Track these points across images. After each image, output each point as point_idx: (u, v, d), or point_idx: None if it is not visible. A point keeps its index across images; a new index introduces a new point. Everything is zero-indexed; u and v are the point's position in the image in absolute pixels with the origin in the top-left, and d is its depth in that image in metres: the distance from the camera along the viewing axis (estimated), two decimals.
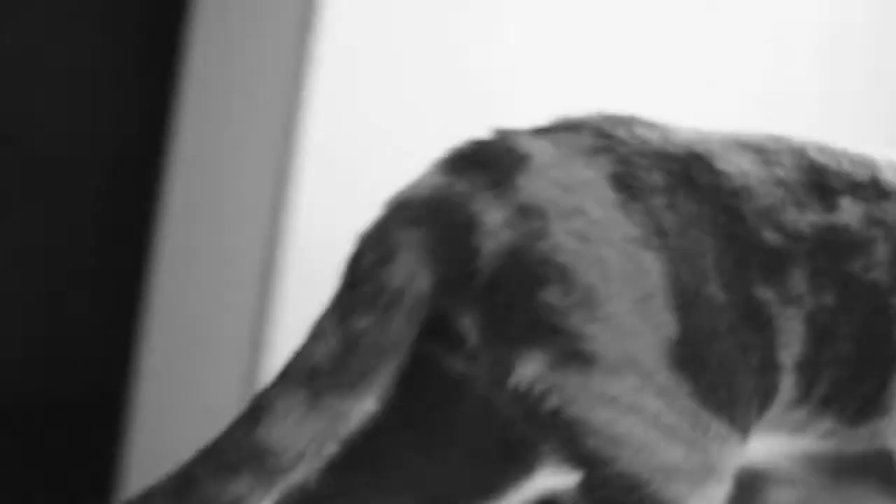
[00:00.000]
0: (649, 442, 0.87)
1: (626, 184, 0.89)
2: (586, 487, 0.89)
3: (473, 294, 0.88)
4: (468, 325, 0.89)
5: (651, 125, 0.93)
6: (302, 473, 0.89)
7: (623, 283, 0.87)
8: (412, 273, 0.89)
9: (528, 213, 0.87)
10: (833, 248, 0.92)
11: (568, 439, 0.89)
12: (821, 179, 0.94)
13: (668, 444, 0.87)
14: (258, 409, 0.89)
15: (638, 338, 0.87)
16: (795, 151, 0.95)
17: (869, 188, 0.95)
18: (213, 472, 0.88)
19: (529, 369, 0.87)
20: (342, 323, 0.89)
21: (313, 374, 0.89)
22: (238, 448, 0.89)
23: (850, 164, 0.96)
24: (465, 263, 0.88)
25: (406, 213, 0.90)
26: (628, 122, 0.93)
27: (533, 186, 0.88)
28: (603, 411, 0.87)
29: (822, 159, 0.95)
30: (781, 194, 0.92)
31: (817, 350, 0.92)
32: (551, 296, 0.86)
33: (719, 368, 0.88)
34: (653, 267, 0.87)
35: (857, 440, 0.98)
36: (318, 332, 0.90)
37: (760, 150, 0.93)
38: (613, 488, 0.88)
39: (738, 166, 0.91)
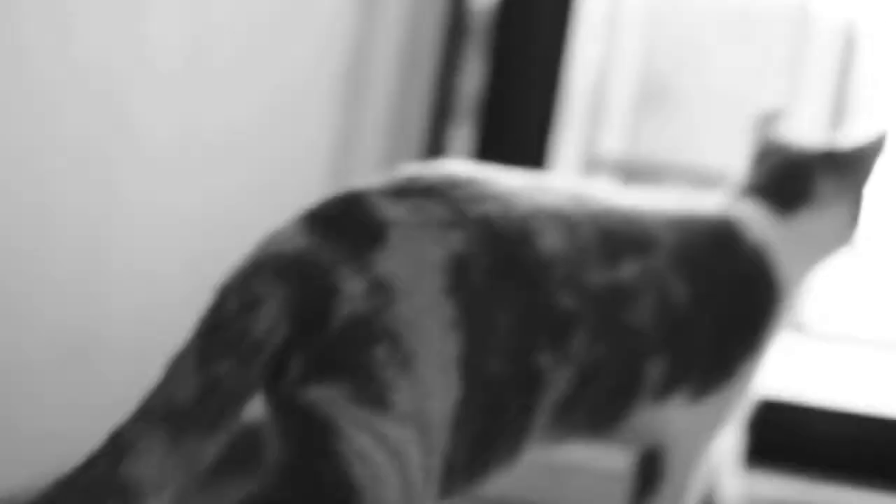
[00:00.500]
0: (388, 482, 1.03)
1: (459, 269, 1.05)
2: (292, 473, 1.04)
3: (318, 346, 1.02)
4: (298, 364, 1.02)
5: (492, 194, 1.10)
6: None
7: (434, 354, 1.03)
8: (274, 324, 1.01)
9: (379, 288, 1.02)
10: (613, 302, 1.16)
11: (321, 442, 1.03)
12: (607, 242, 1.16)
13: (399, 494, 1.04)
14: (120, 446, 0.97)
15: (432, 400, 1.03)
16: (593, 217, 1.16)
17: (644, 245, 1.20)
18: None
19: (324, 392, 1.02)
20: (203, 366, 0.99)
21: (174, 414, 0.98)
22: (103, 483, 0.96)
23: (633, 226, 1.20)
24: (320, 322, 1.02)
25: (274, 268, 1.02)
26: (471, 186, 1.10)
27: (387, 264, 1.03)
28: (365, 439, 1.02)
29: (609, 224, 1.17)
30: (577, 262, 1.13)
31: (578, 391, 1.14)
32: (379, 353, 1.02)
33: (483, 437, 1.08)
34: (455, 345, 1.04)
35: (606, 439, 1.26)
36: (176, 373, 0.99)
37: (567, 221, 1.13)
38: (330, 486, 1.03)
39: (552, 240, 1.11)
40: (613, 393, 1.19)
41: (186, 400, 0.98)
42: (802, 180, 1.42)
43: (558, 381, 1.12)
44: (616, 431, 1.26)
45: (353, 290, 1.02)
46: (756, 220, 1.36)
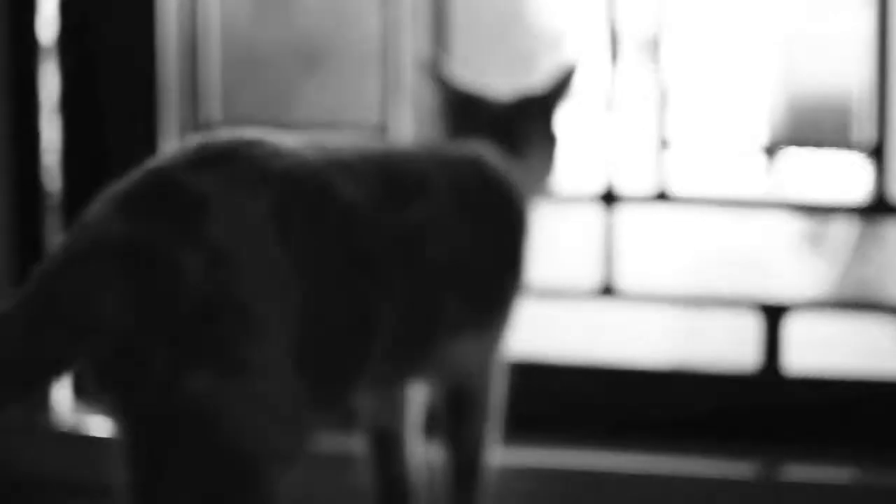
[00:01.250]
0: (268, 430, 1.10)
1: (282, 218, 1.09)
2: (200, 464, 1.09)
3: (165, 326, 1.04)
4: (149, 349, 1.05)
5: (285, 151, 1.14)
6: None
7: (276, 312, 1.08)
8: (115, 312, 1.03)
9: (218, 259, 1.05)
10: (410, 243, 1.24)
11: (209, 432, 1.08)
12: (392, 188, 1.24)
13: (282, 434, 1.11)
14: None
15: (278, 353, 1.09)
16: (375, 168, 1.23)
17: (424, 189, 1.28)
18: None
19: (197, 382, 1.06)
20: (32, 325, 1.01)
21: None
22: None
23: (411, 172, 1.28)
24: (166, 303, 1.04)
25: (102, 257, 1.03)
26: (263, 146, 1.13)
27: (218, 233, 1.05)
28: (240, 406, 1.08)
29: (390, 172, 1.25)
30: (374, 208, 1.20)
31: (396, 324, 1.22)
32: (228, 325, 1.06)
33: (330, 367, 1.15)
34: (294, 298, 1.10)
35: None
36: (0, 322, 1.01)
37: (355, 172, 1.20)
38: (229, 464, 1.09)
39: (348, 189, 1.17)
40: (421, 329, 1.28)
41: (2, 356, 1.00)
42: (517, 131, 1.50)
43: (384, 318, 1.19)
44: (426, 366, 1.35)
45: (194, 271, 1.04)
46: (498, 160, 1.43)
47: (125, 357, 1.06)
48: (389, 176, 1.25)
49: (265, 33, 2.24)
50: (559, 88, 1.53)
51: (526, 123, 1.51)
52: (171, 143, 1.86)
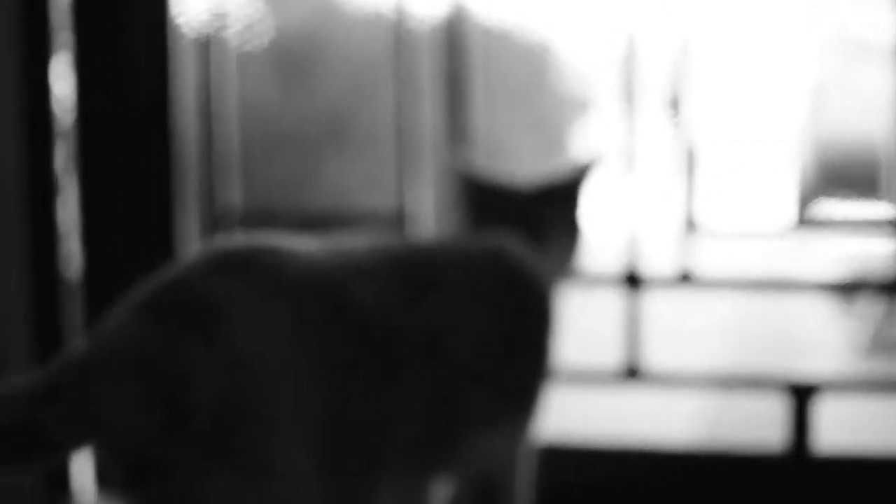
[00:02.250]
0: None
1: (298, 323, 1.11)
2: None
3: (191, 438, 1.05)
4: (180, 460, 1.05)
5: (301, 258, 1.15)
6: None
7: (297, 416, 1.09)
8: (132, 417, 1.04)
9: (234, 366, 1.06)
10: (426, 341, 1.23)
11: None
12: (408, 286, 1.24)
13: None
14: None
15: (300, 457, 1.10)
16: (390, 269, 1.23)
17: (440, 286, 1.27)
18: None
19: (222, 485, 1.06)
20: (33, 413, 1.03)
21: None
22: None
23: (426, 267, 1.27)
24: (187, 416, 1.04)
25: (121, 365, 1.04)
26: (279, 254, 1.15)
27: (233, 340, 1.06)
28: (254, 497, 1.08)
29: (408, 268, 1.25)
30: (390, 309, 1.20)
31: (416, 424, 1.22)
32: (250, 432, 1.06)
33: (351, 466, 1.15)
34: (314, 396, 1.11)
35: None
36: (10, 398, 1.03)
37: (370, 274, 1.20)
38: None
39: (363, 292, 1.18)
40: (443, 427, 1.26)
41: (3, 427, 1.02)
42: (539, 220, 1.50)
43: (404, 415, 1.20)
44: (452, 461, 1.32)
45: (211, 373, 1.05)
46: (521, 250, 1.43)
47: (148, 461, 1.07)
48: (405, 274, 1.25)
49: (289, 112, 2.25)
50: (580, 178, 1.53)
51: (549, 212, 1.51)
52: (189, 237, 1.87)
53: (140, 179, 1.87)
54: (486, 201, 1.53)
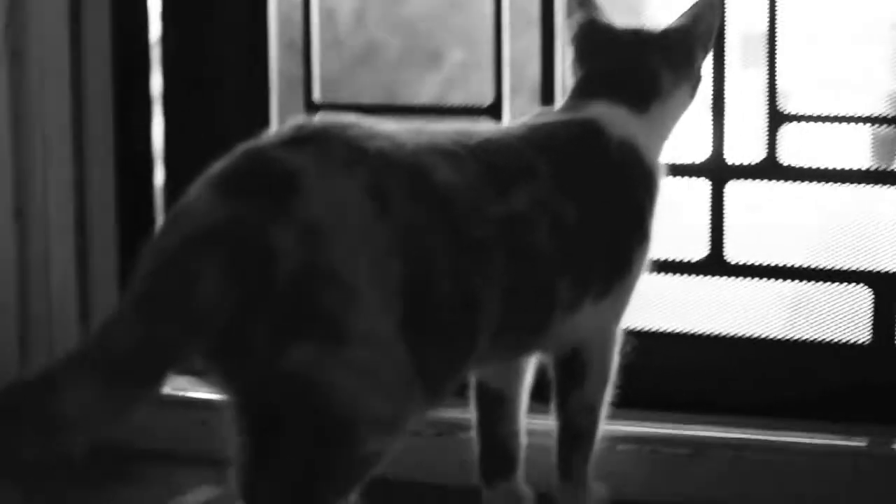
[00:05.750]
0: (372, 396, 1.14)
1: (379, 194, 1.12)
2: (299, 425, 1.14)
3: (266, 305, 1.08)
4: (254, 328, 1.09)
5: (381, 134, 1.17)
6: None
7: (374, 282, 1.11)
8: (220, 296, 1.06)
9: (309, 233, 1.08)
10: (513, 231, 1.23)
11: (314, 400, 1.12)
12: (494, 176, 1.23)
13: (386, 402, 1.15)
14: (51, 382, 1.03)
15: (379, 320, 1.12)
16: (474, 154, 1.22)
17: (527, 174, 1.27)
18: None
19: (300, 353, 1.10)
20: (147, 324, 1.05)
21: (110, 363, 1.04)
22: (28, 410, 1.02)
23: (512, 155, 1.27)
24: (266, 285, 1.07)
25: (202, 240, 1.07)
26: (359, 128, 1.16)
27: (309, 208, 1.08)
28: (346, 373, 1.11)
29: (490, 157, 1.24)
30: (474, 195, 1.20)
31: (504, 310, 1.22)
32: (326, 297, 1.09)
33: (435, 346, 1.17)
34: (395, 269, 1.12)
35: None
36: (113, 331, 1.06)
37: (453, 157, 1.20)
38: (331, 429, 1.13)
39: (445, 177, 1.18)
40: (533, 314, 1.28)
41: (123, 353, 1.05)
42: (650, 79, 1.44)
43: (490, 302, 1.20)
44: (538, 345, 1.36)
45: (286, 244, 1.07)
46: (618, 119, 1.40)
47: (229, 336, 1.09)
48: (490, 162, 1.24)
49: (374, 22, 2.24)
50: (698, 21, 1.47)
51: (664, 68, 1.45)
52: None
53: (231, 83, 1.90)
54: (598, 49, 1.47)
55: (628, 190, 1.38)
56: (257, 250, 1.08)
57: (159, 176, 1.92)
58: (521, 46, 1.77)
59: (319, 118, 1.18)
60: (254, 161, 1.12)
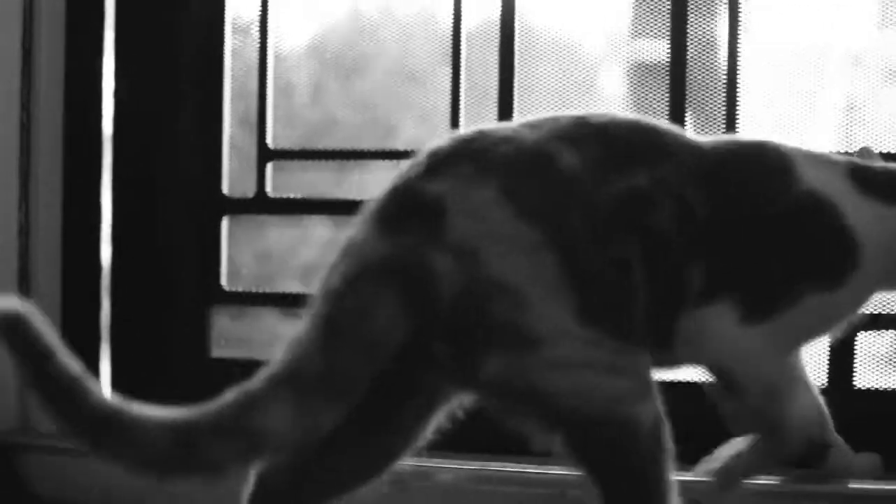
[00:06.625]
0: (598, 382, 1.17)
1: (513, 194, 1.17)
2: (568, 440, 1.19)
3: (441, 327, 1.15)
4: (441, 349, 1.17)
5: (502, 138, 1.22)
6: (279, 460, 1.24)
7: (536, 279, 1.16)
8: (392, 325, 1.15)
9: (462, 252, 1.15)
10: (635, 207, 1.23)
11: (539, 407, 1.17)
12: (616, 153, 1.24)
13: (611, 378, 1.17)
14: (251, 399, 1.13)
15: (557, 315, 1.16)
16: (596, 134, 1.25)
17: (649, 153, 1.26)
18: (210, 432, 1.11)
19: (493, 365, 1.15)
20: (329, 352, 1.14)
21: (301, 383, 1.14)
22: (232, 425, 1.12)
23: (636, 136, 1.27)
24: (432, 307, 1.15)
25: (373, 274, 1.16)
26: (482, 138, 1.22)
27: (457, 228, 1.16)
28: (555, 374, 1.16)
29: (615, 135, 1.25)
30: (594, 174, 1.22)
31: (648, 291, 1.23)
32: (495, 307, 1.15)
33: (614, 314, 1.19)
34: (550, 261, 1.17)
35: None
36: (302, 355, 1.15)
37: (575, 140, 1.23)
38: (587, 429, 1.17)
39: (569, 160, 1.21)
40: (662, 298, 1.25)
41: (313, 375, 1.14)
42: None
43: (635, 268, 1.22)
44: (674, 344, 1.28)
45: (444, 267, 1.15)
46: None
47: (414, 363, 1.19)
48: (608, 141, 1.25)
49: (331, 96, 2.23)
50: None
51: None
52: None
53: None
54: None
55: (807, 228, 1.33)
56: (422, 279, 1.15)
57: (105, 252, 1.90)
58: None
59: (448, 139, 1.25)
60: (402, 196, 1.20)
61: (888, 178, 1.37)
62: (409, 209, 1.19)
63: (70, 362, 1.09)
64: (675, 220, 1.25)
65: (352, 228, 1.21)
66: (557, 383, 1.16)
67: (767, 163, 1.33)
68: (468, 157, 1.21)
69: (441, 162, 1.21)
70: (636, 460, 1.18)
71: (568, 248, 1.18)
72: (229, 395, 1.13)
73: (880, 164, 1.40)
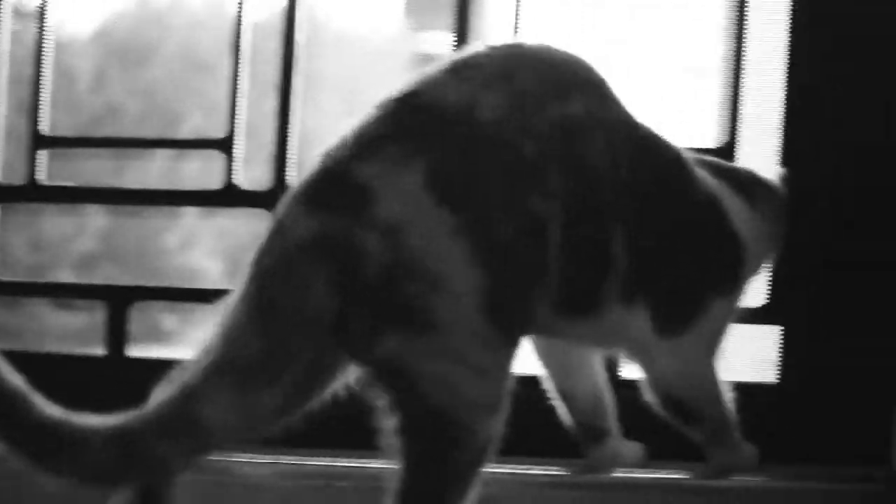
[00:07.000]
0: (464, 381, 1.19)
1: (437, 175, 1.18)
2: (406, 424, 1.19)
3: (360, 301, 1.17)
4: (355, 323, 1.17)
5: (422, 101, 1.22)
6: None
7: (453, 265, 1.17)
8: (326, 301, 1.16)
9: (388, 232, 1.17)
10: (568, 136, 1.24)
11: (403, 386, 1.18)
12: (552, 81, 1.25)
13: (478, 381, 1.19)
14: (190, 391, 1.12)
15: (463, 303, 1.18)
16: (531, 64, 1.25)
17: (586, 86, 1.27)
18: (153, 433, 1.11)
19: (389, 341, 1.17)
20: (266, 334, 1.15)
21: (238, 369, 1.14)
22: (176, 418, 1.11)
23: (573, 66, 1.27)
24: (361, 285, 1.16)
25: (303, 252, 1.16)
26: (407, 107, 1.22)
27: (383, 211, 1.17)
28: (434, 362, 1.18)
29: (552, 63, 1.26)
30: (525, 103, 1.22)
31: (568, 232, 1.24)
32: (411, 288, 1.16)
33: (516, 301, 1.21)
34: (464, 247, 1.18)
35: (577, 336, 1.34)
36: (238, 336, 1.15)
37: (507, 76, 1.23)
38: (429, 419, 1.18)
39: (489, 105, 1.21)
40: (585, 260, 1.26)
41: (251, 359, 1.15)
42: None
43: (553, 220, 1.22)
44: (597, 320, 1.30)
45: (373, 246, 1.16)
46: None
47: (336, 332, 1.19)
48: (551, 70, 1.26)
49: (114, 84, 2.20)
50: None
51: None
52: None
53: None
54: None
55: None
56: (349, 255, 1.17)
57: None
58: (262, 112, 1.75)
59: (372, 110, 1.24)
60: (331, 178, 1.21)
61: (748, 180, 1.43)
62: (338, 192, 1.19)
63: (11, 377, 1.09)
64: (605, 157, 1.26)
65: (279, 209, 1.21)
66: (432, 369, 1.18)
67: (677, 162, 1.35)
68: (394, 136, 1.21)
69: (370, 142, 1.21)
70: (452, 467, 1.20)
71: (482, 230, 1.19)
72: (167, 392, 1.13)
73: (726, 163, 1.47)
